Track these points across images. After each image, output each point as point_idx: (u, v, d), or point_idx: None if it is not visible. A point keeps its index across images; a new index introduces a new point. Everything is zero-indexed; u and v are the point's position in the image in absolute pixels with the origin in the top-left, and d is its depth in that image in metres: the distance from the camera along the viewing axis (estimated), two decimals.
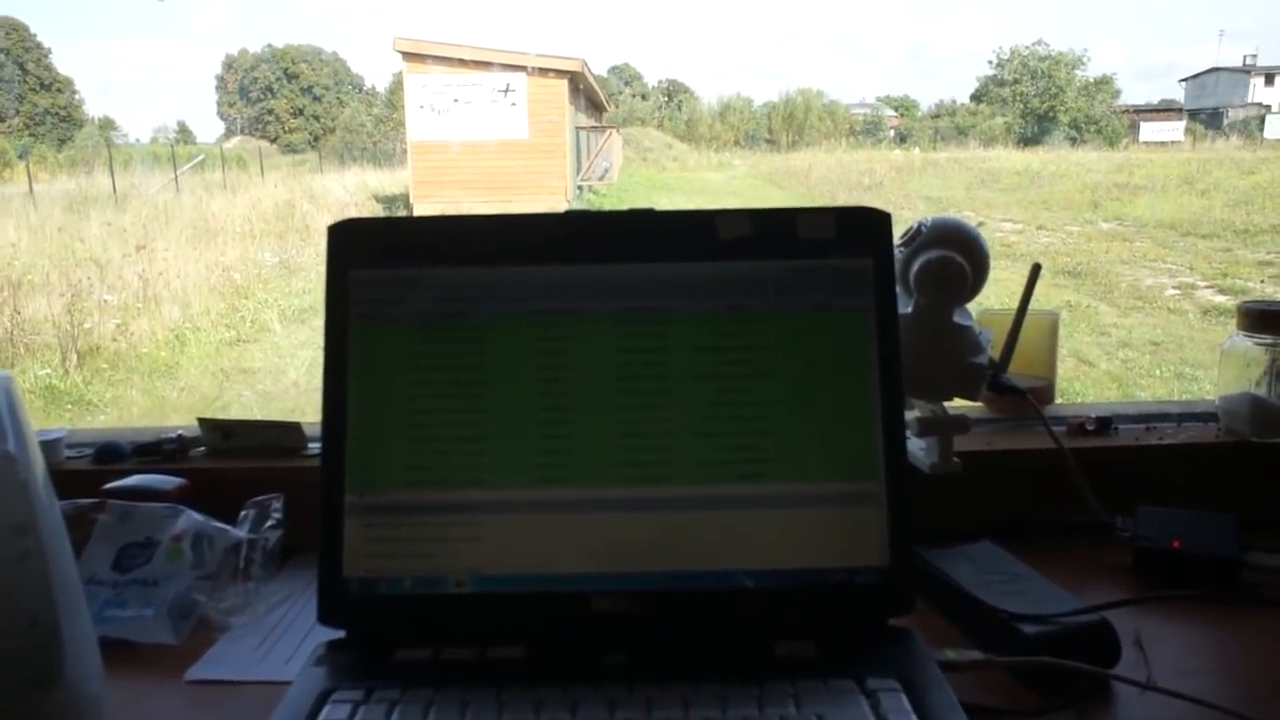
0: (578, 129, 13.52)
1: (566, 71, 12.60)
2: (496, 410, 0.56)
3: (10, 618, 0.46)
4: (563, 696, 0.50)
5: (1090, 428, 0.87)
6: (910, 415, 0.75)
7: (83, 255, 6.90)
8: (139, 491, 0.76)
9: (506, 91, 12.14)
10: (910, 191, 12.18)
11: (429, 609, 0.55)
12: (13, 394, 0.48)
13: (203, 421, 0.86)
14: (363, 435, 0.56)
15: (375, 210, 11.23)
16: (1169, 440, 0.85)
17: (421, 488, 0.56)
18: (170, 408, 4.52)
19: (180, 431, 0.86)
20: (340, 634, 0.56)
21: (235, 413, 4.25)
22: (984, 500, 0.77)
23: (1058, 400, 0.96)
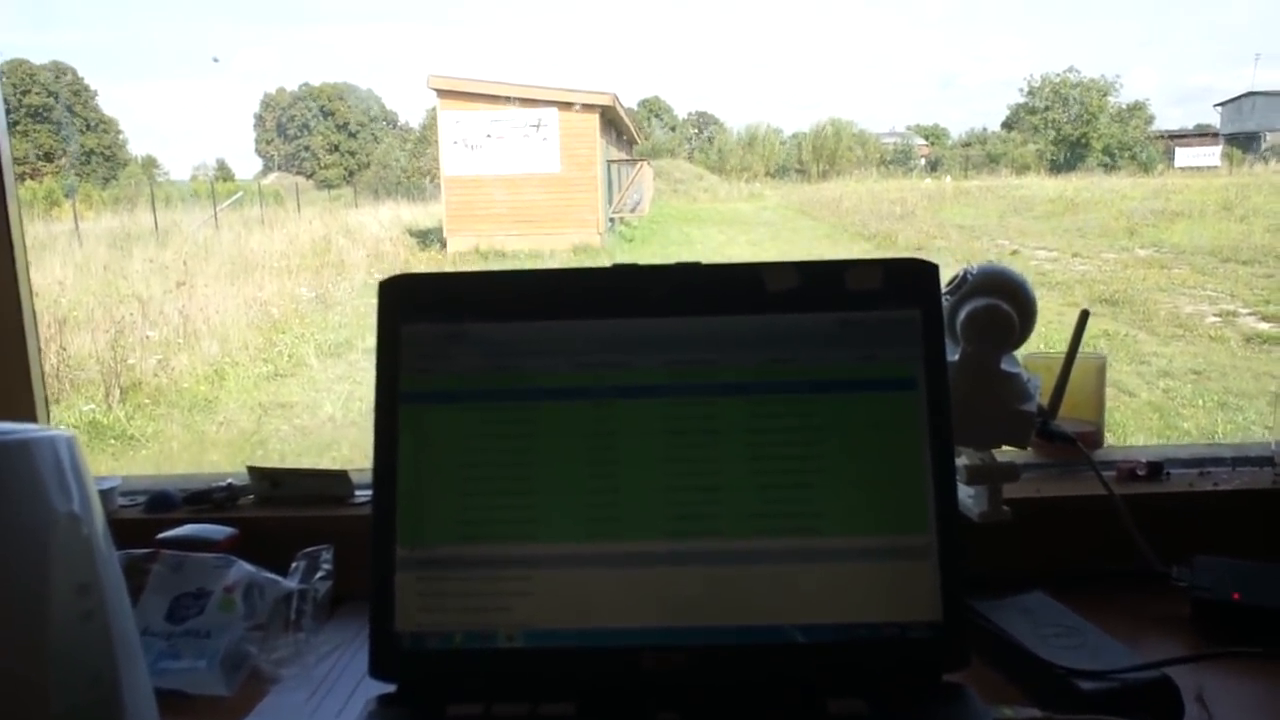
0: (609, 162, 13.62)
1: (598, 106, 12.72)
2: (546, 464, 0.57)
3: (73, 675, 0.46)
4: None
5: (1141, 473, 0.86)
6: (958, 463, 0.74)
7: (125, 292, 7.04)
8: (191, 541, 0.77)
9: (539, 126, 12.28)
10: (942, 220, 12.10)
11: (480, 664, 0.55)
12: (76, 453, 0.49)
13: (252, 470, 0.87)
14: (413, 489, 0.57)
15: (409, 243, 11.36)
16: (1224, 486, 0.84)
17: (472, 542, 0.56)
18: (209, 442, 4.58)
19: (230, 480, 0.88)
20: (391, 688, 0.56)
21: (273, 446, 4.30)
22: (1035, 549, 0.76)
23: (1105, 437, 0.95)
